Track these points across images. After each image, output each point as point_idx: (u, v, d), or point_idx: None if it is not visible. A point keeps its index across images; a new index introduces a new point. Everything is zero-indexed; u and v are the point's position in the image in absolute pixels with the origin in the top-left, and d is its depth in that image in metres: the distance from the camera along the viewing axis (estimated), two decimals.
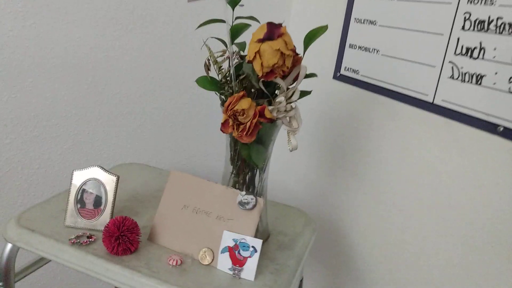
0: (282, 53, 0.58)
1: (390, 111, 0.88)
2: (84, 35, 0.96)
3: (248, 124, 0.61)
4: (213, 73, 0.69)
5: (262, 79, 0.62)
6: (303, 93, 0.66)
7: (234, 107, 0.61)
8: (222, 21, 0.65)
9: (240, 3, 0.65)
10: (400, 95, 0.84)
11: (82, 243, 0.68)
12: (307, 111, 1.09)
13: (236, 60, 0.66)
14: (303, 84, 0.65)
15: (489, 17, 0.66)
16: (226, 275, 0.66)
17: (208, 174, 1.27)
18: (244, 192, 0.68)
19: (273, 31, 0.58)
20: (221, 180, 0.76)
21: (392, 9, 0.85)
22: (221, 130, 0.65)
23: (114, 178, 0.73)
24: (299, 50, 0.64)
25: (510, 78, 0.64)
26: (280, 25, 0.59)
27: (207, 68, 0.70)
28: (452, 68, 0.73)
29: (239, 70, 0.67)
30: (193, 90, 1.15)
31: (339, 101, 1.03)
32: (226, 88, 0.68)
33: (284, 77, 0.63)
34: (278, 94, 0.66)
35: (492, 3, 0.66)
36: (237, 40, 0.66)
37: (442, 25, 0.75)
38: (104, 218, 0.72)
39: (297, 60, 0.63)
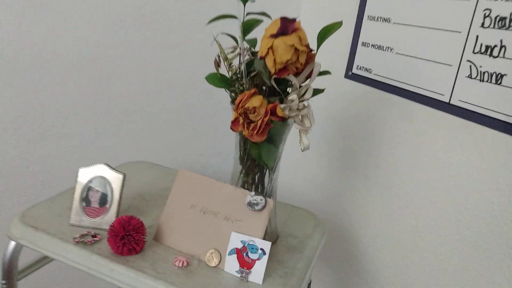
0: (296, 49, 0.56)
1: (403, 111, 0.86)
2: (92, 32, 0.95)
3: (259, 122, 0.59)
4: (222, 70, 0.68)
5: (274, 76, 0.60)
6: (316, 91, 0.64)
7: (245, 104, 0.59)
8: (234, 16, 0.64)
9: None
10: (414, 94, 0.82)
11: (86, 242, 0.67)
12: (317, 111, 1.06)
13: (247, 57, 0.65)
14: (314, 82, 0.63)
15: (511, 14, 0.64)
16: (233, 277, 0.65)
17: (216, 173, 1.26)
18: (253, 193, 0.67)
19: (287, 26, 0.56)
20: (230, 180, 0.74)
21: (407, 6, 0.82)
22: (231, 128, 0.63)
23: (121, 176, 0.72)
24: (311, 47, 0.62)
25: None
26: (294, 20, 0.57)
27: (217, 64, 0.68)
28: (470, 67, 0.71)
29: (250, 67, 0.65)
30: (201, 88, 1.13)
31: (350, 100, 1.01)
32: (236, 85, 0.66)
33: (297, 74, 0.61)
34: (290, 92, 0.64)
35: None
36: (248, 37, 0.65)
37: (460, 22, 0.72)
38: (110, 217, 0.71)
39: (310, 56, 0.61)
